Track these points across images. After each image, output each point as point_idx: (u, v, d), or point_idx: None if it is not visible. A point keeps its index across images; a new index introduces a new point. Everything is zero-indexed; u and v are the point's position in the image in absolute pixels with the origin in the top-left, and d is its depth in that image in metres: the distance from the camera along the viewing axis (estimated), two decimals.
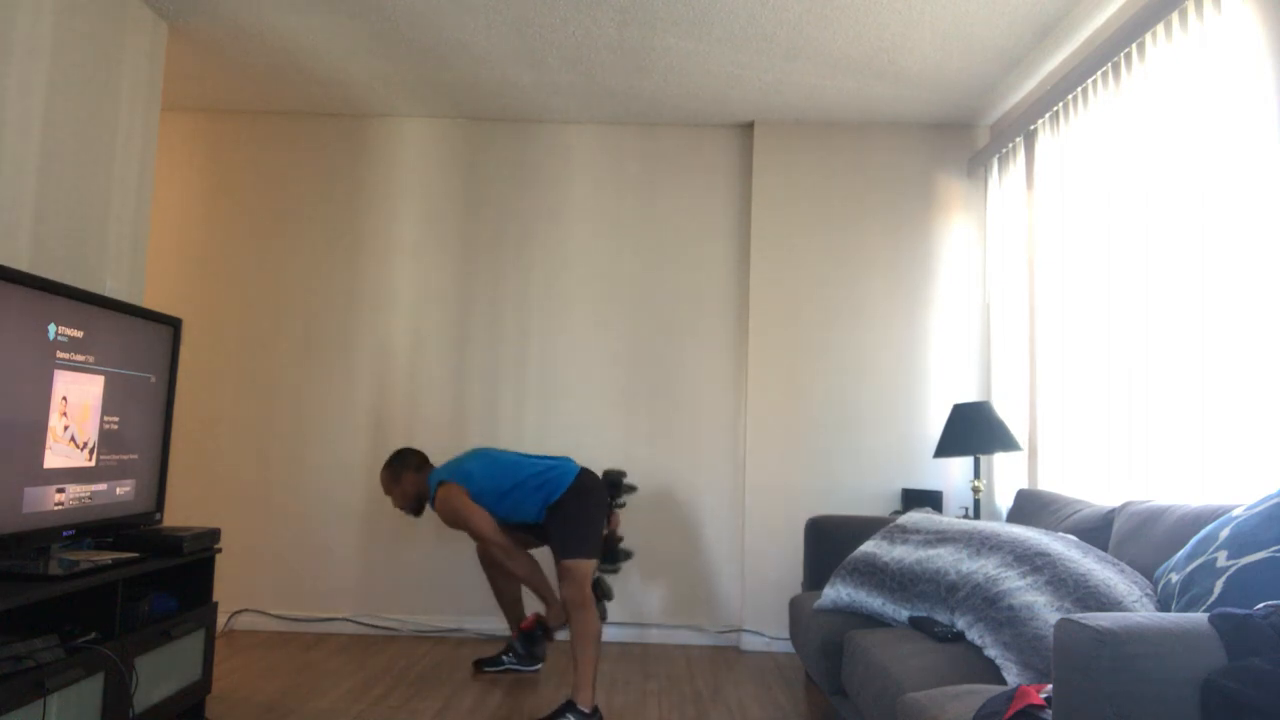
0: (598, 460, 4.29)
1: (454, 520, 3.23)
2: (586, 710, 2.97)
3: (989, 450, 3.42)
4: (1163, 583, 2.01)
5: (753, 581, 4.15)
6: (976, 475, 3.62)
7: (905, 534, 2.70)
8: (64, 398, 2.48)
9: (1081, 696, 1.36)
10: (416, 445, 4.30)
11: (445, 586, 4.24)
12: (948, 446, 3.53)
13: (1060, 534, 2.37)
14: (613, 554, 3.48)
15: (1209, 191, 2.45)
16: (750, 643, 4.14)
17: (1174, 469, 2.58)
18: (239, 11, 3.38)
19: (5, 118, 2.61)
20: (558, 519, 3.19)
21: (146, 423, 2.93)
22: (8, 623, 2.28)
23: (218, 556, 3.06)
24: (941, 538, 2.55)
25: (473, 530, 3.22)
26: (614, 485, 3.46)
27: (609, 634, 4.19)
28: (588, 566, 3.12)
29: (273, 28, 3.51)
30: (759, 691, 3.44)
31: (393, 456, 3.45)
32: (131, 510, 2.86)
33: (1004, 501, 3.82)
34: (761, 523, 4.17)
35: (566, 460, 3.36)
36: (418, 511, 3.46)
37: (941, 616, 2.37)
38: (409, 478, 3.41)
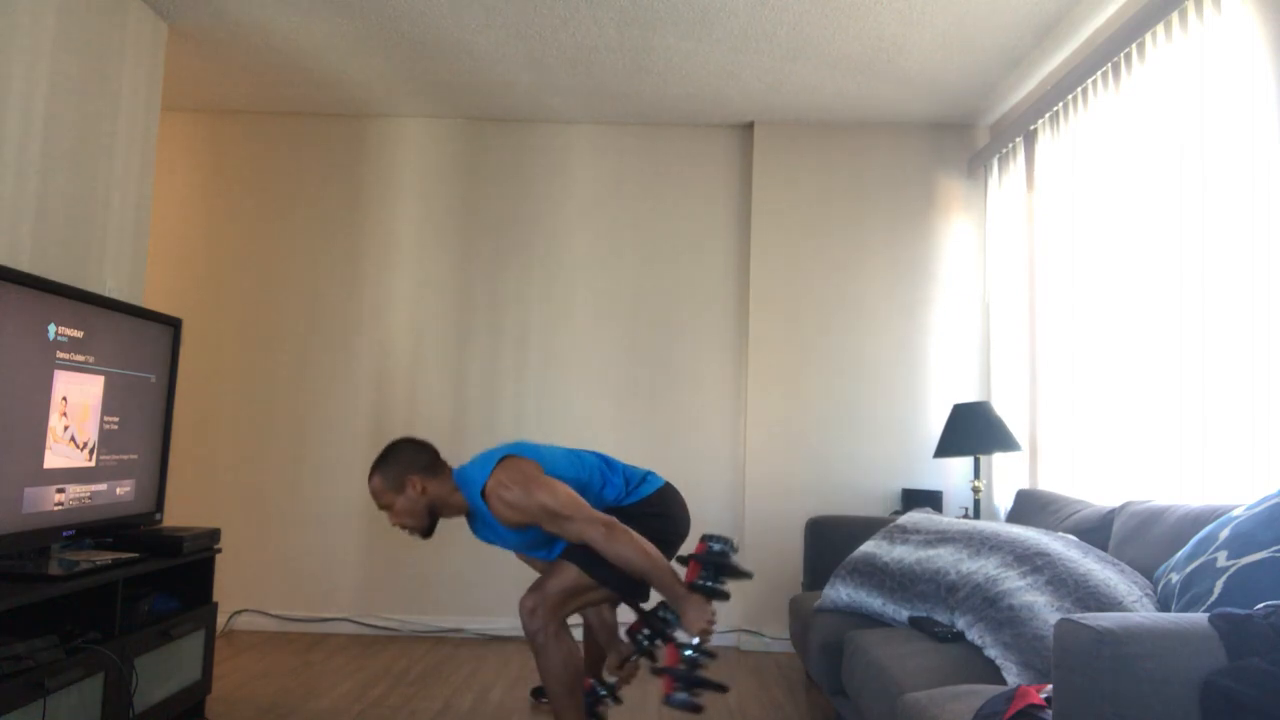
0: None
1: (525, 506, 2.34)
2: None
3: (989, 450, 3.42)
4: (1163, 583, 2.01)
5: (752, 581, 4.15)
6: (976, 475, 3.62)
7: (905, 534, 2.70)
8: (64, 398, 2.48)
9: (1081, 696, 1.36)
10: None
11: (445, 586, 4.24)
12: (948, 446, 3.53)
13: (1060, 534, 2.37)
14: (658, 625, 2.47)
15: (1209, 191, 2.45)
16: (750, 643, 4.14)
17: (1174, 469, 2.58)
18: (239, 11, 3.38)
19: (6, 118, 2.61)
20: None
21: (146, 423, 2.93)
22: (8, 623, 2.28)
23: (218, 556, 3.06)
24: (941, 538, 2.55)
25: (558, 509, 2.33)
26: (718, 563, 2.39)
27: None
28: (588, 590, 2.45)
29: (273, 28, 3.51)
30: (759, 691, 3.44)
31: (385, 454, 2.50)
32: (131, 510, 2.86)
33: (1004, 501, 3.82)
34: (761, 523, 4.17)
35: (648, 473, 2.69)
36: (429, 530, 2.52)
37: (941, 616, 2.37)
38: (415, 483, 2.45)
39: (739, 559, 2.41)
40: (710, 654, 2.31)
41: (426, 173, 4.43)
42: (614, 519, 2.38)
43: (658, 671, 2.34)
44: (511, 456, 2.45)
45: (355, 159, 4.44)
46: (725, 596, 2.37)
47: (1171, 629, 1.37)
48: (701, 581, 2.36)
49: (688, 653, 2.30)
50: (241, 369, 4.33)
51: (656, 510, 2.58)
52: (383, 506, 2.48)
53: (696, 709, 2.27)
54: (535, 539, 2.55)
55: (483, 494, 2.40)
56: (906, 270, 4.27)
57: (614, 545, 2.33)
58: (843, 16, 3.27)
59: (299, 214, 4.41)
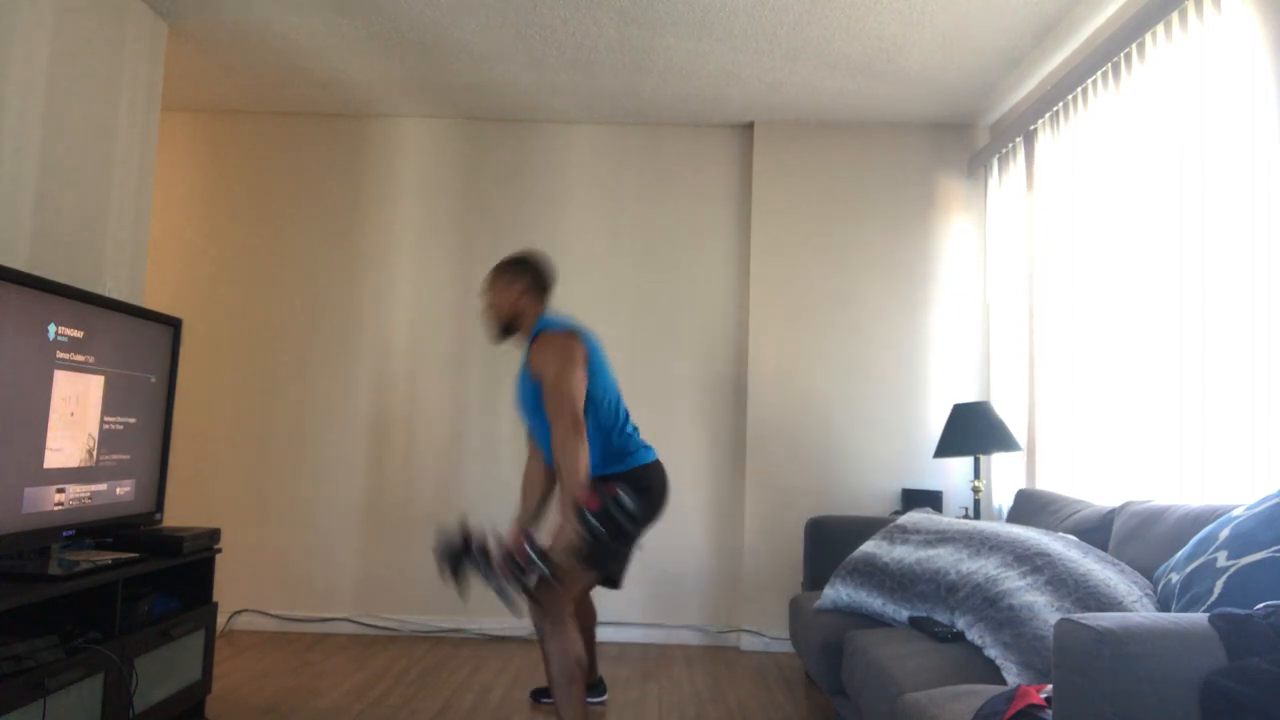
0: None
1: (545, 369, 2.55)
2: None
3: (989, 450, 3.42)
4: (1163, 583, 2.01)
5: (753, 581, 4.15)
6: (976, 475, 3.62)
7: (905, 534, 2.70)
8: (64, 398, 2.48)
9: (1081, 696, 1.36)
10: (417, 443, 4.30)
11: (445, 587, 4.23)
12: (948, 446, 3.54)
13: (1060, 534, 2.37)
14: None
15: (1209, 191, 2.45)
16: (750, 643, 4.14)
17: (1174, 469, 2.58)
18: (239, 11, 3.38)
19: (5, 118, 2.61)
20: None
21: (146, 423, 2.93)
22: (8, 623, 2.28)
23: (218, 556, 3.06)
24: (941, 538, 2.55)
25: (559, 391, 2.51)
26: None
27: (606, 634, 4.19)
28: (581, 574, 2.59)
29: (273, 28, 3.51)
30: (759, 691, 3.44)
31: (517, 260, 2.78)
32: (131, 510, 2.86)
33: (1004, 501, 3.82)
34: (761, 523, 4.17)
35: (649, 447, 2.84)
36: (502, 332, 2.77)
37: (941, 616, 2.37)
38: (520, 287, 2.73)
39: (630, 511, 2.54)
40: (551, 571, 2.44)
41: (426, 173, 4.43)
42: (583, 432, 2.51)
43: (501, 556, 2.47)
44: (579, 335, 2.65)
45: (355, 159, 4.44)
46: (600, 534, 2.46)
47: (1171, 629, 1.37)
48: (588, 512, 2.45)
49: (532, 554, 2.42)
50: (241, 369, 4.33)
51: (643, 485, 2.70)
52: (487, 291, 2.78)
53: (503, 597, 2.49)
54: (536, 402, 2.68)
55: (536, 337, 2.65)
56: (906, 270, 4.27)
57: (564, 448, 2.48)
58: (843, 16, 3.27)
59: (299, 214, 4.41)
